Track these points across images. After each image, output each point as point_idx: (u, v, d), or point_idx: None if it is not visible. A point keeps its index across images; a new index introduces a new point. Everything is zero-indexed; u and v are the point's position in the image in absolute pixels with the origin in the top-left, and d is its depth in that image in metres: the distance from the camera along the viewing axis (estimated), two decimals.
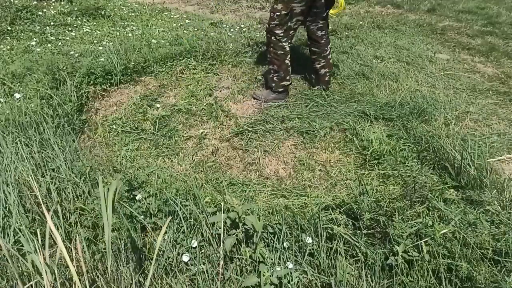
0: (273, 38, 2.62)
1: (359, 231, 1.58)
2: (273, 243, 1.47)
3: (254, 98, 2.87)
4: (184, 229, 1.54)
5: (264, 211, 1.83)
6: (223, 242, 1.41)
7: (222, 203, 1.58)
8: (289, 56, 2.70)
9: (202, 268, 1.37)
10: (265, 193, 2.00)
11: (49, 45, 3.64)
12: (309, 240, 1.48)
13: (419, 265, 1.40)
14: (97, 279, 1.34)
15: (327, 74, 2.94)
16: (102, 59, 3.01)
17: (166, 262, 1.42)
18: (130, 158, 2.22)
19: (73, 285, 1.05)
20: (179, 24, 4.63)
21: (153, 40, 3.66)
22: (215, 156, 2.30)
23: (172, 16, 5.09)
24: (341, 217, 1.66)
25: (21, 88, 2.68)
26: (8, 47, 3.54)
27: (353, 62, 3.52)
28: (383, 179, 2.08)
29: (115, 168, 2.06)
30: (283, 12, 2.50)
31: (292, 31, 2.63)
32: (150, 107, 2.73)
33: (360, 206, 1.71)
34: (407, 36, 4.51)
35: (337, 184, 2.07)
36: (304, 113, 2.63)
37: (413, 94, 2.92)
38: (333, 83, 3.11)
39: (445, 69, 3.54)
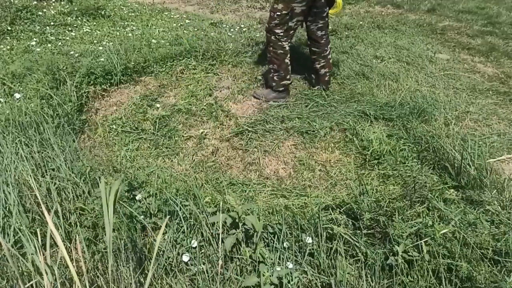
0: (273, 37, 2.63)
1: (359, 231, 1.58)
2: (273, 243, 1.47)
3: (255, 97, 2.87)
4: (184, 229, 1.54)
5: (264, 211, 1.83)
6: (223, 242, 1.41)
7: (222, 203, 1.58)
8: (289, 56, 2.70)
9: (202, 268, 1.37)
10: (265, 193, 2.00)
11: (49, 45, 3.64)
12: (309, 240, 1.48)
13: (419, 265, 1.40)
14: (97, 279, 1.34)
15: (327, 74, 2.94)
16: (102, 59, 3.01)
17: (166, 262, 1.42)
18: (130, 158, 2.22)
19: (73, 285, 1.05)
20: (179, 24, 4.63)
21: (153, 40, 3.66)
22: (215, 156, 2.30)
23: (172, 16, 5.09)
24: (341, 217, 1.66)
25: (21, 88, 2.68)
26: (8, 47, 3.54)
27: (353, 62, 3.52)
28: (383, 179, 2.08)
29: (115, 168, 2.06)
30: (284, 12, 2.50)
31: (292, 31, 2.64)
32: (150, 107, 2.73)
33: (360, 206, 1.70)
34: (407, 36, 4.51)
35: (337, 184, 2.07)
36: (304, 113, 2.63)
37: (413, 94, 2.92)
38: (333, 83, 3.11)
39: (445, 69, 3.54)
